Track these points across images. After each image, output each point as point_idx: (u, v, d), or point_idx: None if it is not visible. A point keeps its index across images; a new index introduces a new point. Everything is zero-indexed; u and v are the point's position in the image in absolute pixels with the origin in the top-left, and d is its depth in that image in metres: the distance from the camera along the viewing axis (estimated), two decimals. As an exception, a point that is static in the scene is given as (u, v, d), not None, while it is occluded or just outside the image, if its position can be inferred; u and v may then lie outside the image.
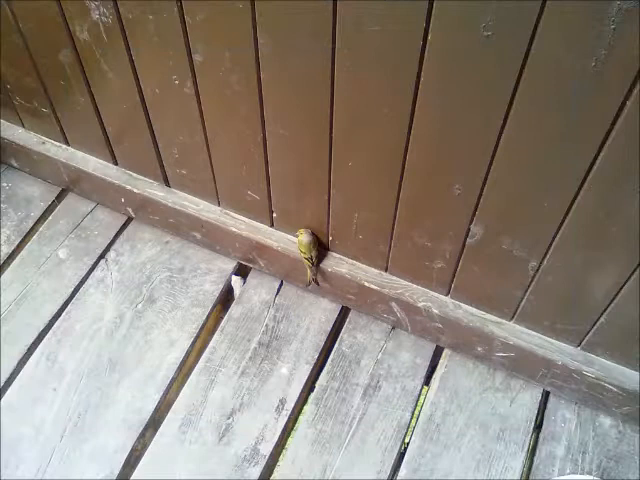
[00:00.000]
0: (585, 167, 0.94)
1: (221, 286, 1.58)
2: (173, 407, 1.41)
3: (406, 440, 1.39)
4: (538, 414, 1.41)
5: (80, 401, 1.41)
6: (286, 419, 1.40)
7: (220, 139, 1.28)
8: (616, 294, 1.12)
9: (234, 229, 1.48)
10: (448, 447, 1.37)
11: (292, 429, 1.43)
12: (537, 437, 1.39)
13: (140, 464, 1.34)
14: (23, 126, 1.64)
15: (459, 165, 1.04)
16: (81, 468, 1.33)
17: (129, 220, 1.69)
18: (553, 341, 1.32)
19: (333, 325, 1.53)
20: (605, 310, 1.17)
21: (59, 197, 1.73)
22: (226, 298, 1.61)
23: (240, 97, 1.14)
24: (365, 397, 1.43)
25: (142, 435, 1.38)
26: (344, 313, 1.56)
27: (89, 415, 1.39)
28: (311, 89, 1.05)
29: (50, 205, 1.72)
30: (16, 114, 1.60)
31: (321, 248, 1.42)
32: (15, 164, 1.75)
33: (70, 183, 1.68)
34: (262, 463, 1.34)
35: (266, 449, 1.36)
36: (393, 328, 1.52)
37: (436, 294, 1.37)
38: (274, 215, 1.43)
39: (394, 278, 1.40)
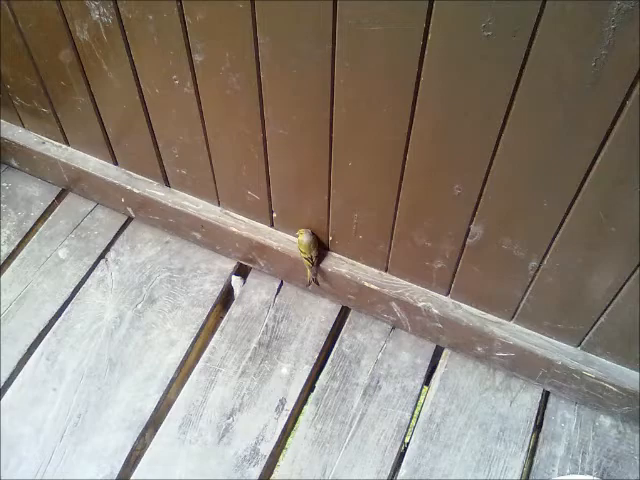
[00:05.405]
0: (585, 167, 0.94)
1: (221, 286, 1.58)
2: (173, 407, 1.41)
3: (406, 440, 1.39)
4: (538, 414, 1.41)
5: (80, 401, 1.41)
6: (286, 419, 1.40)
7: (220, 139, 1.28)
8: (616, 294, 1.12)
9: (234, 229, 1.48)
10: (448, 447, 1.37)
11: (292, 429, 1.43)
12: (537, 437, 1.39)
13: (140, 464, 1.34)
14: (23, 126, 1.64)
15: (459, 165, 1.04)
16: (81, 468, 1.33)
17: (129, 220, 1.69)
18: (553, 341, 1.32)
19: (333, 325, 1.53)
20: (605, 310, 1.17)
21: (59, 197, 1.73)
22: (226, 298, 1.61)
23: (240, 97, 1.14)
24: (365, 397, 1.43)
25: (142, 435, 1.38)
26: (344, 313, 1.56)
27: (89, 415, 1.39)
28: (311, 89, 1.05)
29: (50, 205, 1.72)
30: (16, 114, 1.60)
31: (321, 248, 1.42)
32: (15, 164, 1.75)
33: (70, 183, 1.68)
34: (262, 463, 1.34)
35: (266, 449, 1.36)
36: (393, 328, 1.52)
37: (436, 294, 1.37)
38: (274, 215, 1.43)
39: (394, 278, 1.40)
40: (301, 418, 1.43)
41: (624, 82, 0.81)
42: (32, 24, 1.26)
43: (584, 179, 0.96)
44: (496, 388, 1.44)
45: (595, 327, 1.22)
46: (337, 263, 1.42)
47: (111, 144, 1.51)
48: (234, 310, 1.55)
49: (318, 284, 1.47)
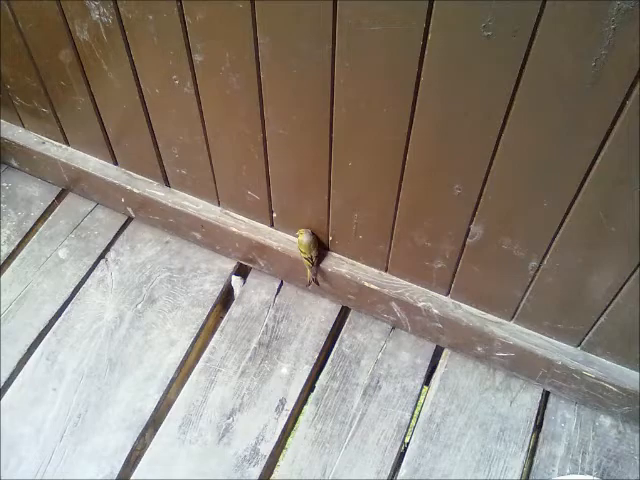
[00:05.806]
0: (585, 167, 0.94)
1: (221, 286, 1.58)
2: (173, 407, 1.41)
3: (406, 440, 1.39)
4: (538, 414, 1.41)
5: (80, 401, 1.41)
6: (286, 419, 1.40)
7: (220, 139, 1.28)
8: (616, 294, 1.12)
9: (234, 229, 1.48)
10: (448, 447, 1.37)
11: (292, 429, 1.43)
12: (537, 437, 1.39)
13: (140, 464, 1.34)
14: (23, 126, 1.64)
15: (459, 165, 1.04)
16: (81, 468, 1.33)
17: (129, 220, 1.69)
18: (553, 341, 1.32)
19: (333, 325, 1.53)
20: (605, 310, 1.17)
21: (59, 197, 1.73)
22: (226, 298, 1.61)
23: (240, 97, 1.14)
24: (365, 397, 1.43)
25: (142, 435, 1.38)
26: (344, 313, 1.56)
27: (89, 415, 1.39)
28: (311, 89, 1.05)
29: (50, 205, 1.72)
30: (16, 114, 1.60)
31: (321, 248, 1.42)
32: (15, 164, 1.75)
33: (70, 183, 1.68)
34: (262, 463, 1.34)
35: (266, 449, 1.36)
36: (393, 328, 1.52)
37: (436, 294, 1.37)
38: (274, 215, 1.43)
39: (394, 278, 1.40)
40: (301, 418, 1.43)
41: (624, 82, 0.81)
42: (32, 24, 1.26)
43: (584, 179, 0.96)
44: (496, 388, 1.44)
45: (595, 327, 1.22)
46: (337, 263, 1.42)
47: (111, 144, 1.51)
48: (234, 310, 1.55)
49: (318, 284, 1.47)
